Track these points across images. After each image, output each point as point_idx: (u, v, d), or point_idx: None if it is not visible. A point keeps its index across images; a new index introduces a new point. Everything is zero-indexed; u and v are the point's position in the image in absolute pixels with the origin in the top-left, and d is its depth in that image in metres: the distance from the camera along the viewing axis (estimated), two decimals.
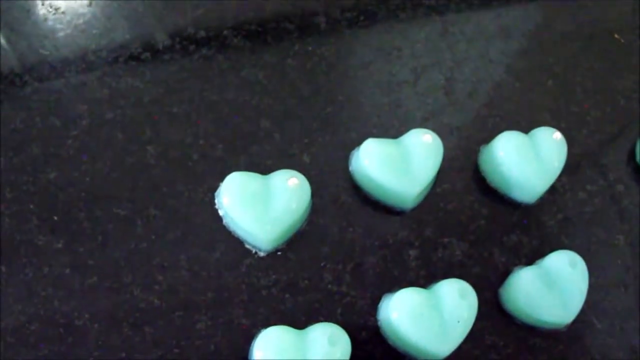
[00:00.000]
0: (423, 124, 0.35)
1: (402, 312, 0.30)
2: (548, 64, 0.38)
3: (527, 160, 0.33)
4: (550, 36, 0.39)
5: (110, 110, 0.34)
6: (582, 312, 0.32)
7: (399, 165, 0.32)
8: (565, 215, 0.35)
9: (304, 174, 0.32)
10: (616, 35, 0.40)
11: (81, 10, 0.36)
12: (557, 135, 0.34)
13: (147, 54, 0.35)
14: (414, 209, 0.33)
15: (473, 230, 0.33)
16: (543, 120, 0.36)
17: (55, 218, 0.32)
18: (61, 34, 0.35)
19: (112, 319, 0.30)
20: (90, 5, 0.36)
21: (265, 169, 0.32)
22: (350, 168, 0.33)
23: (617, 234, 0.35)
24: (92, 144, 0.33)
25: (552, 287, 0.32)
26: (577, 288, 0.32)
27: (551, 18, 0.39)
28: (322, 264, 0.32)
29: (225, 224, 0.32)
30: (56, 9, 0.36)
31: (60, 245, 0.31)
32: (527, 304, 0.32)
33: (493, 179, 0.34)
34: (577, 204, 0.35)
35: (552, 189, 0.35)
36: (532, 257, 0.33)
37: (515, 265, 0.33)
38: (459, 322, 0.30)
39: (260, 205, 0.30)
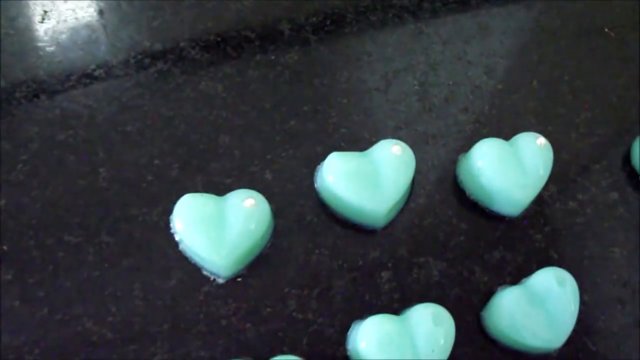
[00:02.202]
0: (396, 133, 0.33)
1: (371, 341, 0.27)
2: (532, 64, 0.35)
3: (508, 169, 0.31)
4: (535, 33, 0.36)
5: (62, 132, 0.32)
6: (574, 334, 0.30)
7: (366, 180, 0.29)
8: (554, 228, 0.32)
9: (266, 193, 0.30)
10: (607, 30, 0.37)
11: (32, 29, 0.35)
12: (541, 140, 0.31)
13: (101, 71, 0.33)
14: (385, 227, 0.31)
15: (452, 247, 0.31)
16: (528, 124, 0.34)
17: (5, 248, 0.30)
18: (10, 54, 0.34)
19: (63, 353, 0.29)
20: (42, 22, 0.35)
21: (224, 189, 0.30)
22: (316, 185, 0.31)
23: (612, 246, 0.33)
24: (43, 168, 0.31)
25: (538, 308, 0.30)
26: (566, 308, 0.29)
27: (535, 13, 0.37)
28: (286, 290, 0.29)
29: (182, 249, 0.30)
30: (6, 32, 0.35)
31: (9, 277, 0.30)
32: (511, 327, 0.29)
33: (473, 191, 0.32)
34: (567, 214, 0.32)
35: (539, 200, 0.32)
36: (517, 276, 0.31)
37: (499, 284, 0.30)
38: (433, 350, 0.27)
39: (215, 229, 0.28)
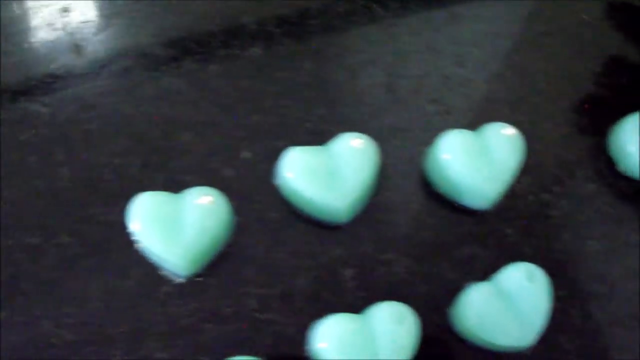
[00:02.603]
0: (362, 126, 0.31)
1: (330, 341, 0.27)
2: (505, 51, 0.34)
3: (475, 161, 0.29)
4: (508, 19, 0.35)
5: (22, 132, 0.32)
6: (548, 331, 0.29)
7: (326, 175, 0.28)
8: (527, 222, 0.31)
9: (227, 190, 0.29)
10: (584, 16, 0.36)
11: None
12: (510, 130, 0.30)
13: (62, 70, 0.33)
14: (349, 223, 0.30)
15: (418, 243, 0.30)
16: (500, 115, 0.32)
17: None
18: None
19: (21, 355, 0.28)
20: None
21: (184, 186, 0.30)
22: (276, 181, 0.31)
23: (588, 239, 0.31)
24: (3, 169, 0.31)
25: (507, 305, 0.28)
26: (537, 305, 0.28)
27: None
28: (246, 289, 0.29)
29: (140, 249, 0.30)
30: None
31: None
32: (479, 325, 0.28)
33: (440, 185, 0.31)
34: (541, 207, 0.31)
35: (511, 192, 0.31)
36: (487, 272, 0.29)
37: (468, 281, 0.29)
38: (394, 350, 0.27)
39: (171, 228, 0.28)
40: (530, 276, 0.29)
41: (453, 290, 0.29)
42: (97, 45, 0.34)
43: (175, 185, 0.30)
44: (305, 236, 0.30)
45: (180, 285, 0.29)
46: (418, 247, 0.30)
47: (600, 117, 0.34)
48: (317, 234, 0.30)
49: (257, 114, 0.32)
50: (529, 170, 0.32)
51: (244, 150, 0.31)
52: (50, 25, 0.34)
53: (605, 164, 0.33)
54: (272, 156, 0.31)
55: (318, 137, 0.31)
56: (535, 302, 0.28)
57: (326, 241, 0.30)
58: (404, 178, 0.31)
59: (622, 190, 0.33)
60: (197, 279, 0.29)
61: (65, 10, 0.35)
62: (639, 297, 0.31)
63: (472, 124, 0.32)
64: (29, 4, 0.34)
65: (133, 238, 0.30)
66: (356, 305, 0.29)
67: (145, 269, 0.29)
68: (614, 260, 0.31)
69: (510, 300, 0.29)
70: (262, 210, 0.30)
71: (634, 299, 0.31)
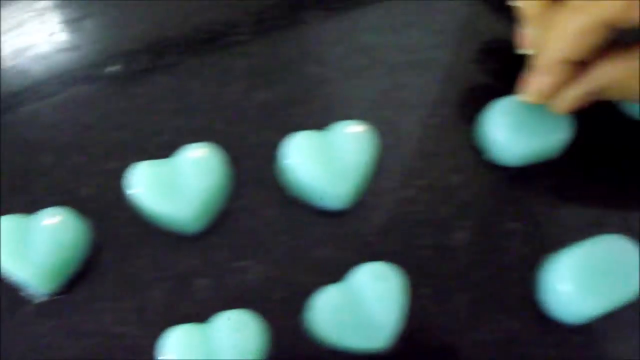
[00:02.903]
0: (212, 136, 0.31)
1: (174, 353, 0.27)
2: (367, 48, 0.34)
3: (322, 162, 0.29)
4: (371, 13, 0.34)
5: None
6: (407, 331, 0.28)
7: (170, 186, 0.29)
8: (387, 219, 0.31)
9: (82, 208, 0.30)
10: (452, 1, 0.35)
11: None
12: (358, 128, 0.30)
13: None
14: (203, 232, 0.30)
15: (273, 248, 0.30)
16: (361, 112, 0.32)
17: None
18: None
19: None
20: None
21: (44, 207, 0.30)
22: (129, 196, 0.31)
23: (453, 232, 0.31)
24: None
25: (358, 307, 0.28)
26: (388, 305, 0.28)
27: None
28: (103, 304, 0.29)
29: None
30: None
31: None
32: (332, 328, 0.28)
33: (292, 188, 0.31)
34: (401, 203, 0.31)
35: (370, 190, 0.31)
36: (343, 274, 0.29)
37: (323, 284, 0.29)
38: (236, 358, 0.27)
39: (23, 247, 0.28)
40: (380, 276, 0.28)
41: (308, 294, 0.29)
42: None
43: (35, 206, 0.31)
44: (161, 248, 0.30)
45: (39, 304, 0.30)
46: (273, 253, 0.30)
47: (467, 106, 0.33)
48: (172, 245, 0.30)
49: (116, 131, 0.32)
50: (390, 166, 0.31)
51: (102, 168, 0.31)
52: None
53: (471, 156, 0.32)
54: (124, 172, 0.31)
55: (166, 149, 0.31)
56: (386, 302, 0.28)
57: (182, 252, 0.30)
58: (257, 184, 0.31)
59: (488, 179, 0.32)
60: (56, 297, 0.30)
61: None
62: (506, 290, 0.30)
63: (330, 123, 0.31)
64: None
65: None
66: (209, 314, 0.29)
67: (4, 289, 0.30)
68: (477, 255, 0.30)
69: (361, 301, 0.28)
70: (116, 227, 0.31)
71: (502, 291, 0.30)
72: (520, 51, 0.31)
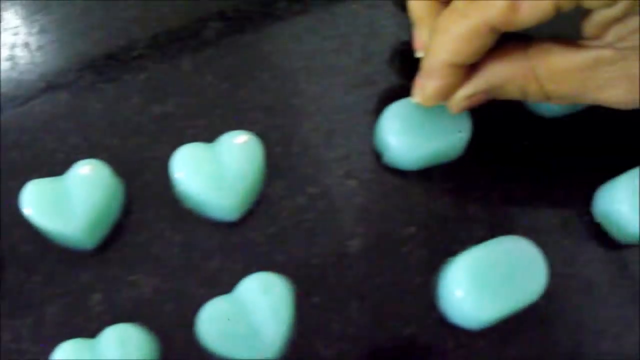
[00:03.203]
0: (107, 152, 0.32)
1: None
2: (263, 54, 0.34)
3: (209, 174, 0.29)
4: (269, 18, 0.34)
5: None
6: (300, 340, 0.29)
7: (61, 203, 0.29)
8: (279, 228, 0.31)
9: None
10: (354, 6, 0.34)
11: None
12: (243, 137, 0.30)
13: None
14: (97, 248, 0.30)
15: (165, 261, 0.30)
16: (253, 121, 0.32)
17: None
18: None
19: None
20: None
21: None
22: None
23: (348, 239, 0.31)
24: None
25: (245, 318, 0.28)
26: (274, 315, 0.28)
27: None
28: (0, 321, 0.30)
29: None
30: None
31: None
32: (220, 339, 0.28)
33: (186, 201, 0.31)
34: (294, 212, 0.31)
35: (262, 199, 0.31)
36: (234, 285, 0.29)
37: (215, 295, 0.30)
38: None
39: None
40: (265, 287, 0.28)
41: (199, 306, 0.29)
42: None
43: None
44: (58, 265, 0.31)
45: None
46: (165, 266, 0.30)
47: (367, 111, 0.33)
48: (68, 261, 0.30)
49: (13, 150, 0.33)
50: (283, 174, 0.32)
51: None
52: None
53: (369, 159, 0.32)
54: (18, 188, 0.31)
55: (69, 167, 0.31)
56: (273, 313, 0.28)
57: (77, 268, 0.30)
58: (152, 198, 0.31)
59: (386, 183, 0.32)
60: None
61: None
62: (406, 296, 0.30)
63: (223, 133, 0.32)
64: None
65: None
66: (101, 329, 0.29)
67: None
68: (373, 259, 0.30)
69: (248, 312, 0.28)
70: (17, 243, 0.31)
71: (401, 297, 0.30)
72: (416, 54, 0.31)
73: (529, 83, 0.28)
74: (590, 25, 0.27)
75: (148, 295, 0.30)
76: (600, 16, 0.26)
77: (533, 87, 0.28)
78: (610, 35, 0.26)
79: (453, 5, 0.27)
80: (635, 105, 0.28)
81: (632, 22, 0.26)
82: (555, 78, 0.28)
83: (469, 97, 0.29)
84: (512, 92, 0.29)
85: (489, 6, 0.26)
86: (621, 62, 0.27)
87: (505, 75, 0.29)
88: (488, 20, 0.26)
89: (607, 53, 0.27)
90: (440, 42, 0.28)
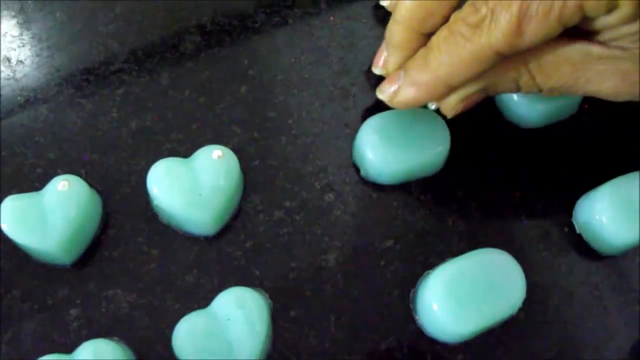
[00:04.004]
0: (84, 167, 0.32)
1: None
2: (242, 68, 0.34)
3: (184, 189, 0.30)
4: (246, 32, 0.35)
5: None
6: (274, 356, 0.29)
7: (37, 219, 0.30)
8: (256, 242, 0.31)
9: None
10: (332, 19, 0.35)
11: None
12: (217, 152, 0.30)
13: None
14: (75, 263, 0.31)
15: (143, 276, 0.31)
16: (230, 135, 0.33)
17: None
18: None
19: None
20: None
21: None
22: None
23: (325, 253, 0.31)
24: None
25: (220, 332, 0.29)
26: (249, 330, 0.29)
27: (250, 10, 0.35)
28: None
29: None
30: None
31: None
32: (196, 354, 0.29)
33: (163, 216, 0.32)
34: (271, 226, 0.32)
35: (240, 214, 0.32)
36: (210, 299, 0.30)
37: (191, 309, 0.30)
38: None
39: None
40: (240, 302, 0.29)
41: (175, 321, 0.30)
42: None
43: None
44: (36, 280, 0.31)
45: None
46: (141, 281, 0.31)
47: (344, 125, 0.34)
48: (46, 276, 0.31)
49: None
50: (260, 188, 0.32)
51: None
52: None
53: (347, 173, 0.33)
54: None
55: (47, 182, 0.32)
56: (249, 327, 0.29)
57: (55, 282, 0.31)
58: (129, 214, 0.32)
59: (364, 197, 0.32)
60: None
61: None
62: (384, 309, 0.31)
63: (199, 147, 0.32)
64: None
65: None
66: (78, 343, 0.30)
67: None
68: (351, 273, 0.31)
69: (224, 327, 0.29)
70: None
71: (379, 311, 0.31)
72: (374, 69, 0.31)
73: (521, 75, 0.29)
74: (584, 24, 0.27)
75: (125, 310, 0.30)
76: (597, 22, 0.26)
77: (525, 79, 0.29)
78: (604, 35, 0.27)
79: (454, 27, 0.27)
80: (624, 98, 0.29)
81: (626, 27, 0.26)
82: (546, 70, 0.28)
83: (465, 99, 0.30)
84: (506, 86, 0.30)
85: (493, 31, 0.26)
86: (611, 59, 0.27)
87: (499, 71, 0.29)
88: (493, 45, 0.26)
89: (597, 49, 0.27)
90: (439, 62, 0.28)
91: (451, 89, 0.29)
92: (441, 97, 0.30)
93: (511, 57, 0.27)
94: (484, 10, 0.26)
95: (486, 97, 0.30)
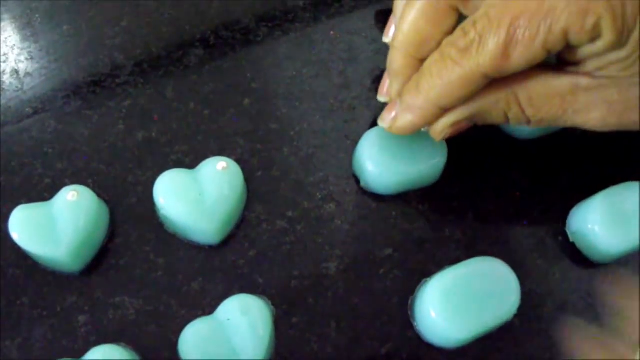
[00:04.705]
0: (92, 177, 0.34)
1: None
2: (245, 82, 0.36)
3: (190, 199, 0.32)
4: (247, 47, 0.37)
5: None
6: None
7: (45, 228, 0.31)
8: (259, 251, 0.33)
9: None
10: (332, 33, 0.37)
11: None
12: (222, 164, 0.32)
13: None
14: (83, 270, 0.33)
15: (149, 283, 0.33)
16: (234, 146, 0.35)
17: None
18: None
19: None
20: None
21: None
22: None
23: (326, 262, 0.33)
24: None
25: (225, 339, 0.30)
26: (253, 336, 0.30)
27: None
28: None
29: None
30: None
31: None
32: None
33: (169, 225, 0.33)
34: (274, 235, 0.33)
35: (243, 223, 0.33)
36: (215, 307, 0.32)
37: (196, 316, 0.32)
38: None
39: None
40: (244, 309, 0.31)
41: (181, 327, 0.31)
42: None
43: None
44: (45, 287, 0.33)
45: None
46: (148, 288, 0.32)
47: (345, 136, 0.35)
48: (55, 284, 0.33)
49: (3, 174, 0.35)
50: (263, 198, 0.34)
51: None
52: None
53: (348, 183, 0.34)
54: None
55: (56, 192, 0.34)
56: (252, 333, 0.30)
57: (64, 290, 0.33)
58: (136, 222, 0.33)
59: (364, 206, 0.34)
60: None
61: None
62: (383, 316, 0.32)
63: (204, 158, 0.34)
64: None
65: None
66: (87, 349, 0.31)
67: None
68: (352, 280, 0.33)
69: (228, 333, 0.31)
70: (6, 266, 0.33)
71: (379, 317, 0.32)
72: (379, 97, 0.33)
73: (510, 108, 0.30)
74: (570, 54, 0.29)
75: (132, 317, 0.32)
76: (582, 50, 0.28)
77: (515, 112, 0.30)
78: (589, 65, 0.28)
79: (445, 51, 0.29)
80: (611, 129, 0.30)
81: (611, 55, 0.27)
82: (535, 102, 0.30)
83: (453, 125, 0.31)
84: (495, 117, 0.31)
85: (481, 54, 0.27)
86: (598, 89, 0.29)
87: (488, 102, 0.30)
88: (481, 68, 0.28)
89: (584, 80, 0.28)
90: (430, 85, 0.29)
91: (443, 112, 0.30)
92: (435, 120, 0.31)
93: (501, 90, 0.29)
94: (472, 34, 0.27)
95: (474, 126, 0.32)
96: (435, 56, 0.29)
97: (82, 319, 0.32)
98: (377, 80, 0.35)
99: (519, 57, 0.27)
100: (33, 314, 0.32)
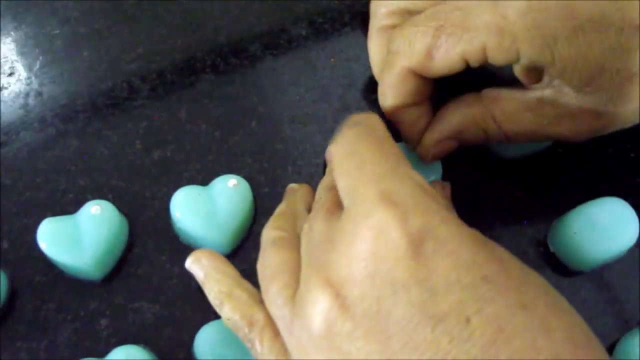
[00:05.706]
0: (112, 193, 0.38)
1: None
2: (251, 105, 0.40)
3: (203, 214, 0.36)
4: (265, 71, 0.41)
5: None
6: None
7: (73, 239, 0.35)
8: None
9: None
10: (332, 60, 0.41)
11: None
12: (232, 182, 0.36)
13: None
14: (104, 278, 0.37)
15: (165, 290, 0.37)
16: (243, 165, 0.39)
17: None
18: None
19: None
20: None
21: None
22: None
23: None
24: None
25: (238, 340, 0.34)
26: None
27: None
28: (17, 344, 0.36)
29: None
30: None
31: None
32: None
33: (184, 237, 0.37)
34: None
35: (252, 234, 0.37)
36: None
37: (210, 320, 0.36)
38: None
39: None
40: None
41: (195, 330, 0.35)
42: None
43: None
44: (69, 293, 0.37)
45: None
46: (164, 294, 0.37)
47: None
48: (78, 290, 0.37)
49: (30, 190, 0.39)
50: (269, 212, 0.37)
51: (17, 224, 0.38)
52: None
53: None
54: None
55: (79, 206, 0.38)
56: None
57: (86, 296, 0.37)
58: (153, 233, 0.38)
59: None
60: None
61: None
62: None
63: (215, 176, 0.38)
64: None
65: None
66: (108, 350, 0.35)
67: None
68: None
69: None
70: (32, 274, 0.37)
71: None
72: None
73: (488, 125, 0.34)
74: (520, 75, 0.32)
75: (150, 321, 0.36)
76: (517, 69, 0.32)
77: (492, 129, 0.34)
78: (546, 77, 0.31)
79: (387, 59, 0.34)
80: (585, 137, 0.33)
81: (551, 69, 0.30)
82: (510, 118, 0.33)
83: (436, 143, 0.35)
84: (475, 134, 0.35)
85: (408, 53, 0.32)
86: (561, 100, 0.32)
87: (465, 119, 0.34)
88: (410, 65, 0.32)
89: (547, 92, 0.32)
90: (380, 92, 0.35)
91: (413, 112, 0.34)
92: (411, 123, 0.35)
93: (476, 107, 0.33)
94: (398, 39, 0.32)
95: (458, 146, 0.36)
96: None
97: (103, 322, 0.36)
98: (374, 104, 0.40)
99: (440, 60, 0.31)
100: (58, 318, 0.37)
